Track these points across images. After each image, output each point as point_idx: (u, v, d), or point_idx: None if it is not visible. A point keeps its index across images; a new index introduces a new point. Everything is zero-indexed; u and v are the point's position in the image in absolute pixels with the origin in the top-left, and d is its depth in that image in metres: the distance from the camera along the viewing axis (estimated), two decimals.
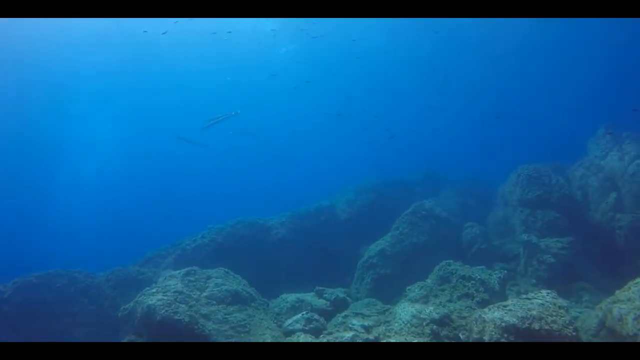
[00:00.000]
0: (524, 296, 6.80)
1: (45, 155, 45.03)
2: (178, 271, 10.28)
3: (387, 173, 21.56)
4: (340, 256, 15.80)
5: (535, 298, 6.59)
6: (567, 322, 5.95)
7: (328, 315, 9.43)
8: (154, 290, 9.33)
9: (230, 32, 23.32)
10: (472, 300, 8.75)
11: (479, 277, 9.24)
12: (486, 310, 6.81)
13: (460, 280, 9.48)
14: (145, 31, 23.38)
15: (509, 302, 6.71)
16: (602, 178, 13.93)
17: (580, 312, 9.20)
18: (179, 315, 8.31)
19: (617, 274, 11.38)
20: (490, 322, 6.42)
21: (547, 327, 5.91)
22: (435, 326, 7.55)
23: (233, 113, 13.23)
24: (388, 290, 12.28)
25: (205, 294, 9.61)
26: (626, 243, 11.75)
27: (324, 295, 10.01)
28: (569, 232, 11.88)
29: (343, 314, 9.17)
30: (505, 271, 9.74)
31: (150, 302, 8.54)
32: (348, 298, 10.60)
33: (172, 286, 9.45)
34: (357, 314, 9.11)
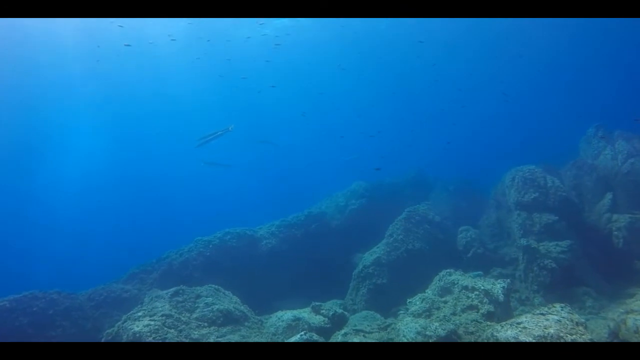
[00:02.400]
0: (538, 311, 6.44)
1: (21, 164, 43.12)
2: (165, 291, 9.65)
3: (375, 176, 21.18)
4: (332, 264, 15.36)
5: (550, 313, 6.24)
6: (587, 341, 5.60)
7: (326, 333, 8.93)
8: (140, 314, 8.70)
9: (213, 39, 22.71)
10: (478, 312, 8.37)
11: (482, 287, 8.87)
12: (498, 327, 6.43)
13: (463, 291, 9.11)
14: (127, 45, 22.52)
15: (522, 318, 6.34)
16: (595, 178, 13.81)
17: (586, 319, 8.92)
18: (168, 342, 7.71)
19: (617, 277, 11.26)
20: (504, 341, 6.03)
21: None
22: None
23: (228, 128, 12.60)
24: (385, 300, 11.90)
25: (195, 315, 9.02)
26: (624, 244, 11.60)
27: (322, 312, 9.51)
28: (567, 235, 11.67)
29: (342, 331, 8.68)
30: (509, 280, 9.39)
31: (136, 329, 7.92)
32: (345, 312, 10.11)
33: (160, 309, 8.84)
34: (357, 331, 8.63)
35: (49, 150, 42.63)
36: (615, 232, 11.84)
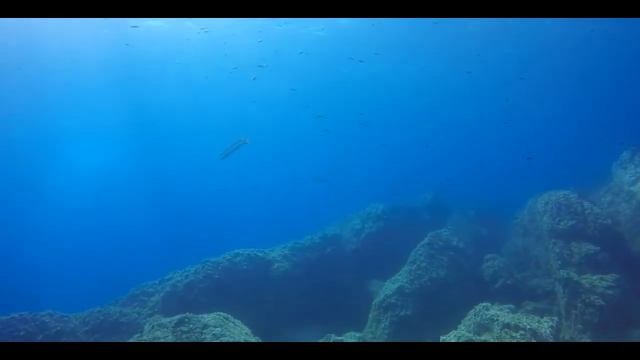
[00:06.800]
0: None
1: (18, 177, 42.04)
2: (169, 319, 8.63)
3: (392, 198, 20.22)
4: (348, 291, 14.33)
5: None
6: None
7: None
8: None
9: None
10: None
11: (528, 326, 7.81)
12: None
13: (505, 329, 8.04)
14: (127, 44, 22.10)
15: None
16: (635, 206, 12.82)
17: None
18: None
19: None
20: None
21: None
22: None
23: (245, 141, 12.22)
24: (409, 334, 10.80)
25: None
26: None
27: None
28: (611, 267, 10.61)
29: None
30: (556, 318, 8.34)
31: None
32: None
33: (162, 340, 7.84)
34: None
35: (54, 159, 41.76)
36: None
